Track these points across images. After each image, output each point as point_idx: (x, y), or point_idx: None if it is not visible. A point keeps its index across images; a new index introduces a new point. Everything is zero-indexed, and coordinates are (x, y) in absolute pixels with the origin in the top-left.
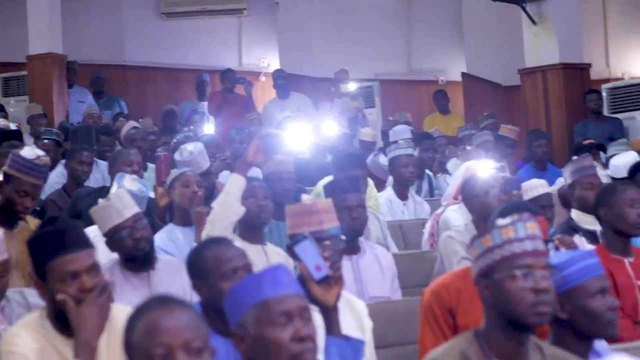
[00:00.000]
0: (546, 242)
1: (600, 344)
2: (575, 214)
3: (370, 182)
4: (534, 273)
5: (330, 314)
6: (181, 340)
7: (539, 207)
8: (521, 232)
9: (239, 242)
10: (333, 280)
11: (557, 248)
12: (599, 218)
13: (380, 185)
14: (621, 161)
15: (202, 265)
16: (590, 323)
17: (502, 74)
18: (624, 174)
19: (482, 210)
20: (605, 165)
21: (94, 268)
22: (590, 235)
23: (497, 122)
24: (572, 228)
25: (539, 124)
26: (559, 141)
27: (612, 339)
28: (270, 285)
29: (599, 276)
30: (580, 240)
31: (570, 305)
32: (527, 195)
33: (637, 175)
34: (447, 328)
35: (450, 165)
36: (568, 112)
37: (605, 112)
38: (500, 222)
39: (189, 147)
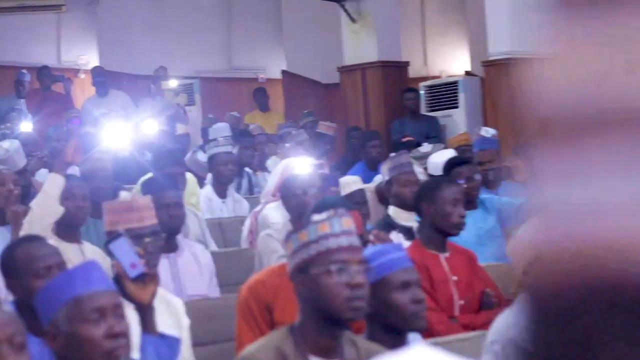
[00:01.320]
0: (361, 237)
1: (414, 338)
2: (392, 210)
3: (193, 178)
4: (349, 268)
5: (145, 312)
6: (5, 334)
7: (354, 203)
8: (336, 228)
9: (54, 241)
10: (148, 277)
11: (372, 243)
12: (419, 212)
13: (199, 183)
14: (440, 159)
15: (14, 263)
16: (394, 316)
17: (322, 71)
18: (441, 171)
19: (301, 209)
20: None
21: None
22: (407, 232)
23: (317, 119)
24: (389, 224)
25: (358, 121)
26: None
27: (426, 333)
28: (82, 282)
29: (403, 269)
30: (397, 237)
31: (373, 299)
32: (342, 192)
33: (452, 172)
34: (264, 324)
35: (270, 162)
36: (387, 109)
37: (423, 110)
38: (316, 217)
39: (5, 144)
